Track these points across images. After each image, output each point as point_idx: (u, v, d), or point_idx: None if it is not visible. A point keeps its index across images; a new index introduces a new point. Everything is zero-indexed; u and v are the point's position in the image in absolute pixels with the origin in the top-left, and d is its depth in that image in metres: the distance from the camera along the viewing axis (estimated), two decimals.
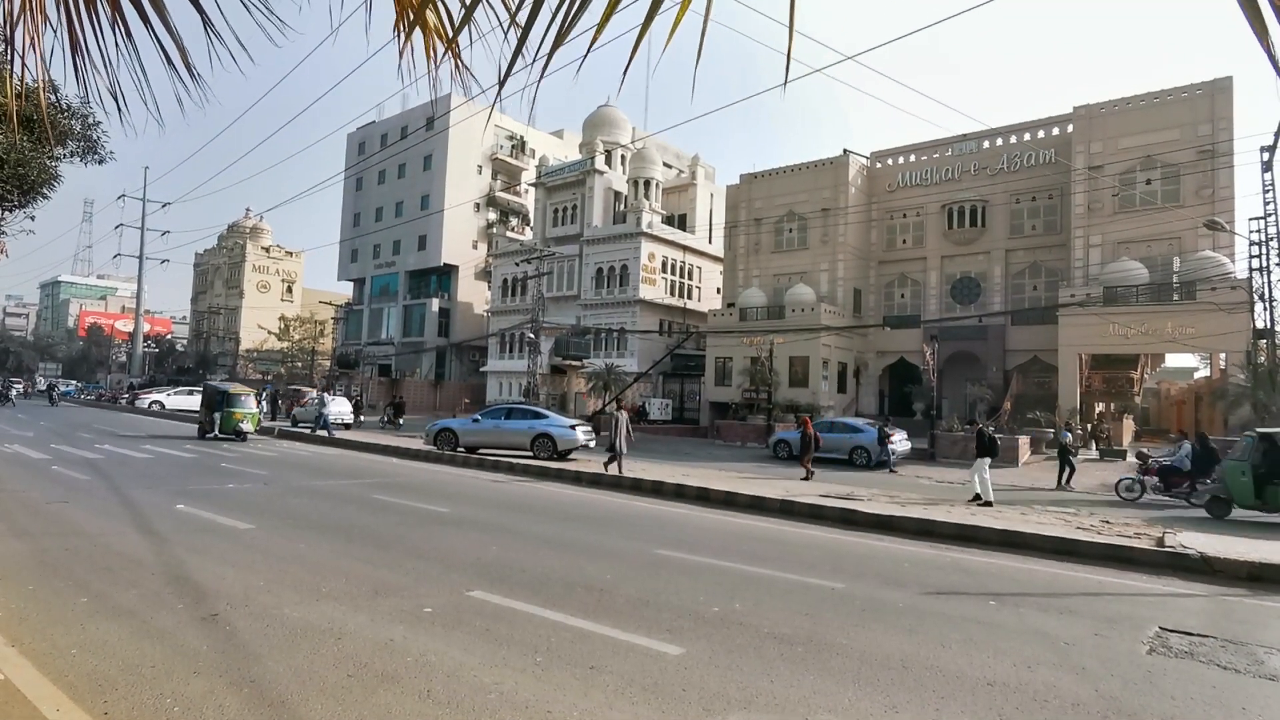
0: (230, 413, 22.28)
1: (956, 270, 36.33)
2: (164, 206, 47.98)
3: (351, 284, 62.49)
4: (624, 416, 16.55)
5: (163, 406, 38.51)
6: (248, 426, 22.68)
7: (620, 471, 15.44)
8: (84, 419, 31.07)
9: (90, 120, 11.68)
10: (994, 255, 35.05)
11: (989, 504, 12.79)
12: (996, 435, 18.07)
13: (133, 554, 7.24)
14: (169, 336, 79.78)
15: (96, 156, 12.05)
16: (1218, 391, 25.84)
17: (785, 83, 1.62)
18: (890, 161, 38.43)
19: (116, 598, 5.71)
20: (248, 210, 78.09)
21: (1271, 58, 1.18)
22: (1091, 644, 5.46)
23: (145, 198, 53.15)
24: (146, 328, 67.30)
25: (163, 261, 53.03)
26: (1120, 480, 15.96)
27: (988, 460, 13.47)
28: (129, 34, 1.73)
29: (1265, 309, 21.55)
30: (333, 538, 8.50)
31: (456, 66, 2.01)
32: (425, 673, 4.35)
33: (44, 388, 58.96)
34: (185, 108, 1.96)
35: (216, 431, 22.35)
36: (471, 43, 1.88)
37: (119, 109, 1.91)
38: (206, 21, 1.74)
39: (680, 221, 47.27)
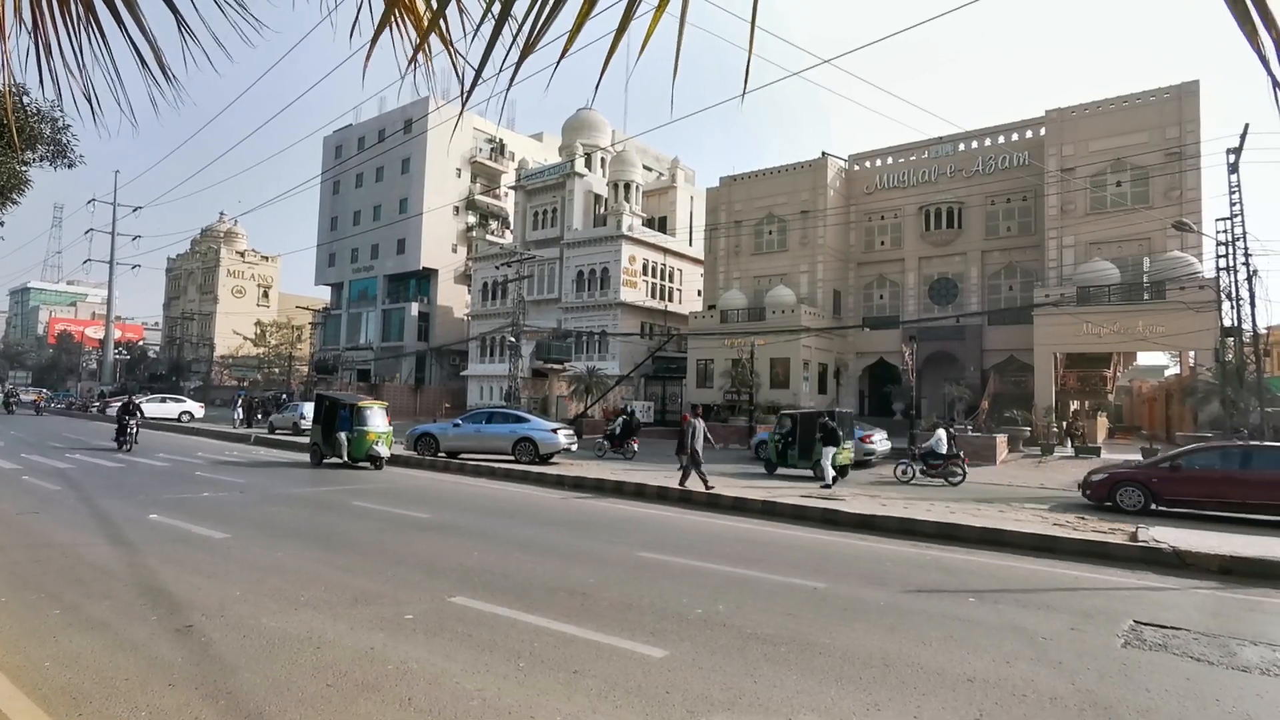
0: (363, 433, 17.32)
1: (934, 271, 36.73)
2: (135, 211, 47.05)
3: (329, 288, 61.81)
4: (700, 425, 14.54)
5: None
6: (383, 450, 17.61)
7: (708, 486, 13.56)
8: (53, 428, 30.40)
9: (60, 124, 11.48)
10: (970, 256, 35.49)
11: (829, 486, 14.93)
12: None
13: (105, 565, 7.11)
14: (141, 343, 78.40)
15: (66, 160, 11.84)
16: (1187, 389, 26.37)
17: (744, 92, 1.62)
18: (868, 164, 38.75)
19: (89, 609, 5.60)
20: (221, 214, 76.86)
21: (1263, 59, 1.19)
22: (1068, 638, 5.54)
23: (116, 202, 52.21)
24: (117, 334, 66.02)
25: (134, 267, 52.53)
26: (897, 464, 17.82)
27: (832, 449, 15.80)
28: (103, 35, 1.71)
29: (1232, 308, 22.07)
30: (311, 546, 8.39)
31: (428, 61, 1.95)
32: (406, 680, 4.31)
33: (103, 401, 42.69)
34: (159, 110, 1.93)
35: (345, 456, 17.36)
36: (448, 44, 1.86)
37: (93, 111, 1.88)
38: (181, 22, 1.72)
39: (660, 224, 47.37)
